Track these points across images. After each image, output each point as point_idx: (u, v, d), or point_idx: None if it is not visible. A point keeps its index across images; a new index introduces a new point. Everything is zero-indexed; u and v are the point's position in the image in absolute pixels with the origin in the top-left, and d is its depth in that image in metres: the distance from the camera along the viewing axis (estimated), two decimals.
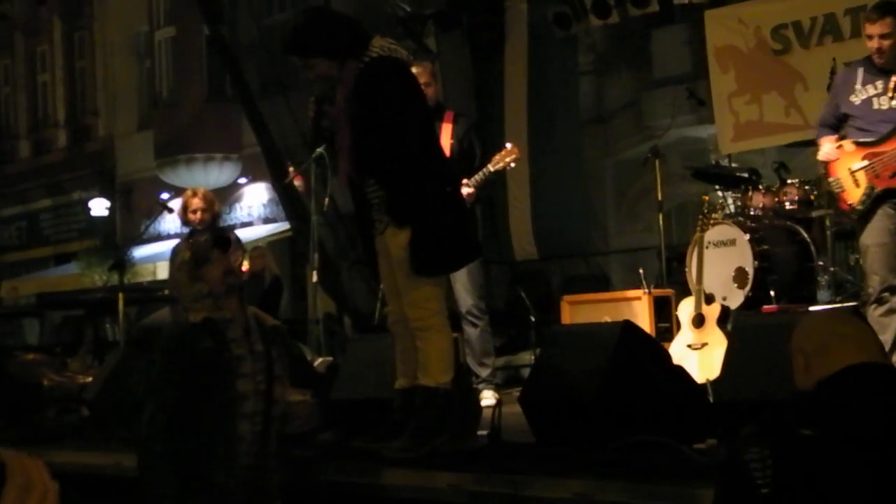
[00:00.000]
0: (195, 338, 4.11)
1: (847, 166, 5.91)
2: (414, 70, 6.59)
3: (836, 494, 2.16)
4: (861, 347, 2.42)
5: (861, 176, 5.85)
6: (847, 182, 5.91)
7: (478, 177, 6.56)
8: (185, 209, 7.55)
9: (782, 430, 2.23)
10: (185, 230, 8.02)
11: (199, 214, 7.46)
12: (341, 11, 4.85)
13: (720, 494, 2.30)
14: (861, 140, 5.88)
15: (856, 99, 5.89)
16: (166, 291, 7.81)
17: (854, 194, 5.91)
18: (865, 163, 5.84)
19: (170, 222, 16.88)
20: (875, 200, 5.82)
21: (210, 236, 4.41)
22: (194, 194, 7.61)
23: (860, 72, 5.88)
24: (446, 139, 6.50)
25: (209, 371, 4.06)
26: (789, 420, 2.27)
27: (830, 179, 6.03)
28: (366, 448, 4.78)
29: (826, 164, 6.09)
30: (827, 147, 5.94)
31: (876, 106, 5.81)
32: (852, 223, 6.35)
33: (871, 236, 5.83)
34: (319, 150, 7.06)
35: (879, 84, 5.79)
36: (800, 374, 2.51)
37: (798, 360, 2.52)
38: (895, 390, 2.33)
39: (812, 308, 6.73)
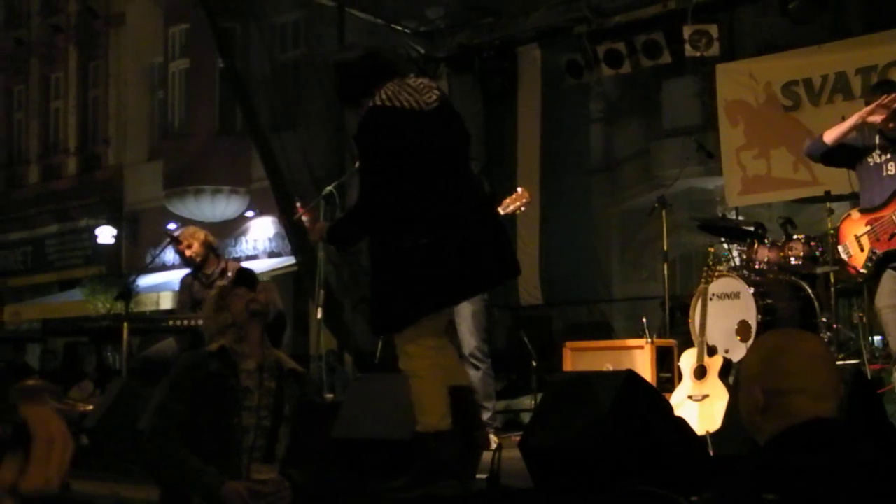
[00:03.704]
0: (206, 362, 4.16)
1: (853, 233, 6.03)
2: None
3: None
4: (826, 395, 2.32)
5: (864, 241, 5.96)
6: (854, 248, 6.04)
7: None
8: (178, 252, 8.09)
9: (746, 495, 2.18)
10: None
11: (186, 252, 7.95)
12: (371, 48, 4.85)
13: None
14: (865, 207, 6.01)
15: (871, 161, 6.00)
16: (171, 322, 7.86)
17: (860, 259, 6.00)
18: (868, 228, 5.94)
19: (175, 253, 16.91)
20: (878, 264, 5.90)
21: (235, 276, 4.48)
22: (179, 235, 8.21)
23: (877, 137, 6.00)
24: None
25: (215, 395, 4.08)
26: (750, 483, 2.20)
27: (839, 247, 6.16)
28: (364, 487, 4.78)
29: (837, 231, 6.21)
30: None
31: (885, 173, 5.93)
32: (857, 282, 6.43)
33: (882, 299, 5.94)
34: (329, 188, 7.15)
35: (890, 152, 5.93)
36: (753, 411, 2.38)
37: (754, 394, 2.37)
38: (850, 451, 2.25)
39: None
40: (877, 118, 5.93)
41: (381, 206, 4.56)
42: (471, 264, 4.57)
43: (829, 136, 6.13)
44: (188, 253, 7.96)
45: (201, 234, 8.07)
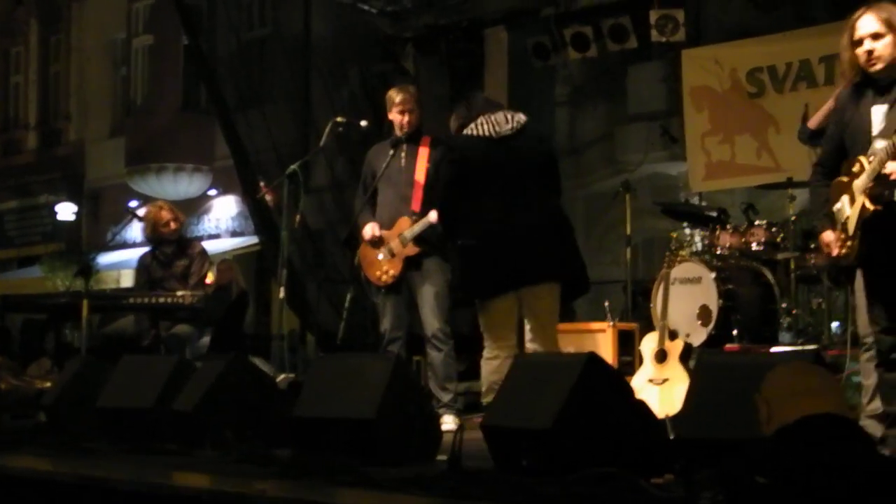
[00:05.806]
0: None
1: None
2: (397, 96, 6.61)
3: None
4: (822, 399, 2.43)
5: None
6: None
7: None
8: (155, 225, 7.82)
9: (738, 476, 2.24)
10: (149, 246, 8.16)
11: (171, 225, 7.84)
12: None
13: None
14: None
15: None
16: (131, 299, 7.80)
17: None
18: None
19: (137, 230, 16.78)
20: None
21: None
22: (161, 208, 7.93)
23: None
24: (423, 164, 6.53)
25: None
26: (746, 466, 2.27)
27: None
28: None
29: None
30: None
31: None
32: (816, 268, 6.46)
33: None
34: (293, 167, 7.11)
35: None
36: (763, 423, 2.52)
37: (763, 409, 2.53)
38: (850, 442, 2.32)
39: (774, 349, 6.79)
40: None
41: (446, 207, 5.91)
42: (486, 271, 5.76)
43: (812, 121, 6.31)
44: (173, 226, 7.87)
45: (182, 216, 8.11)
